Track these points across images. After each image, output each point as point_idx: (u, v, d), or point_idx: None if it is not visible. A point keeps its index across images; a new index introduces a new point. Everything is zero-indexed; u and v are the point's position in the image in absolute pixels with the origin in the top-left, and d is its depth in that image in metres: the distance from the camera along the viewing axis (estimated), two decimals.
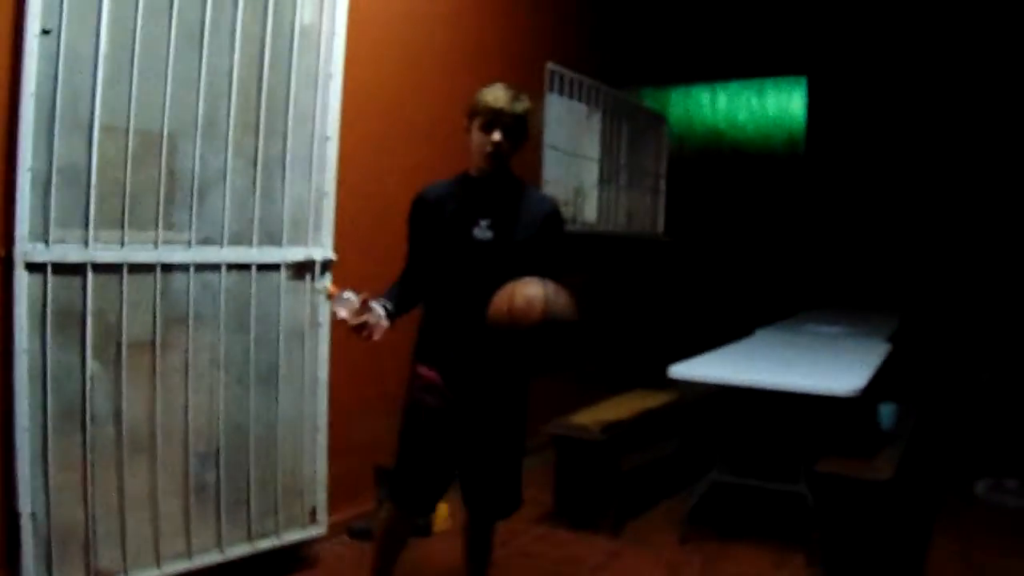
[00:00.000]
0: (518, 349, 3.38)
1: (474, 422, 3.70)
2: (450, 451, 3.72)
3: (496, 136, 3.55)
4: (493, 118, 3.56)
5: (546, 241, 3.70)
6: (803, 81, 10.84)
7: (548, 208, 3.77)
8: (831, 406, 5.17)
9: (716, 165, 10.83)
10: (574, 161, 7.86)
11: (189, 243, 4.16)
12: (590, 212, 8.25)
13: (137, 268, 3.95)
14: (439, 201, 3.69)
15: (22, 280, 3.56)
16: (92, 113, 3.73)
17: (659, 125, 9.52)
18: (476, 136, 3.61)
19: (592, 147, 8.23)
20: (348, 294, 3.43)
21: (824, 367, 5.52)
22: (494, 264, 3.53)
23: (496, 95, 3.57)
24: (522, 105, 3.61)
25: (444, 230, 3.60)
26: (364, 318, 3.43)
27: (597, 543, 5.39)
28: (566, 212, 7.59)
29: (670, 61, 9.77)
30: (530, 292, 3.26)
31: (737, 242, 10.73)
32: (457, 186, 3.71)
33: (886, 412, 5.74)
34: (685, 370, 5.24)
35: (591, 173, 8.23)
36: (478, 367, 3.66)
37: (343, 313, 3.42)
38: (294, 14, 4.50)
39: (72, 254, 3.72)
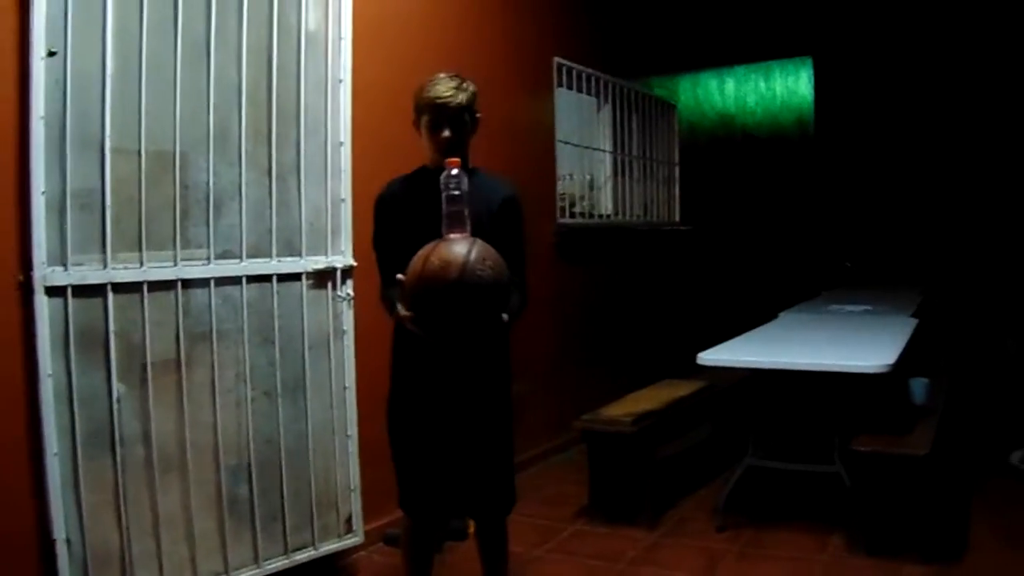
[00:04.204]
0: (431, 314, 3.11)
1: (455, 420, 3.60)
2: (439, 455, 3.63)
3: (445, 133, 3.47)
4: (438, 115, 3.47)
5: (505, 223, 3.56)
6: (809, 62, 10.82)
7: (506, 192, 3.63)
8: (862, 384, 5.14)
9: (728, 151, 10.81)
10: (587, 154, 7.84)
11: (208, 258, 4.13)
12: (606, 204, 8.23)
13: (157, 286, 3.93)
14: (399, 199, 3.61)
15: (43, 304, 3.53)
16: (103, 133, 3.71)
17: (669, 113, 9.47)
18: (426, 134, 3.53)
19: (604, 139, 8.21)
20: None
21: (853, 345, 5.48)
22: None
23: (438, 90, 3.47)
24: (465, 94, 3.51)
25: (408, 228, 3.41)
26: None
27: (635, 536, 5.35)
28: (582, 206, 7.60)
29: (677, 49, 9.73)
30: (447, 252, 3.05)
31: (754, 226, 10.70)
32: (416, 181, 3.59)
33: (917, 387, 5.68)
34: (714, 356, 5.20)
35: (604, 165, 8.20)
36: (452, 362, 3.55)
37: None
38: (299, 21, 4.47)
39: (91, 276, 3.69)
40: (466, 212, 3.17)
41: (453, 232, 3.14)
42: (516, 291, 3.44)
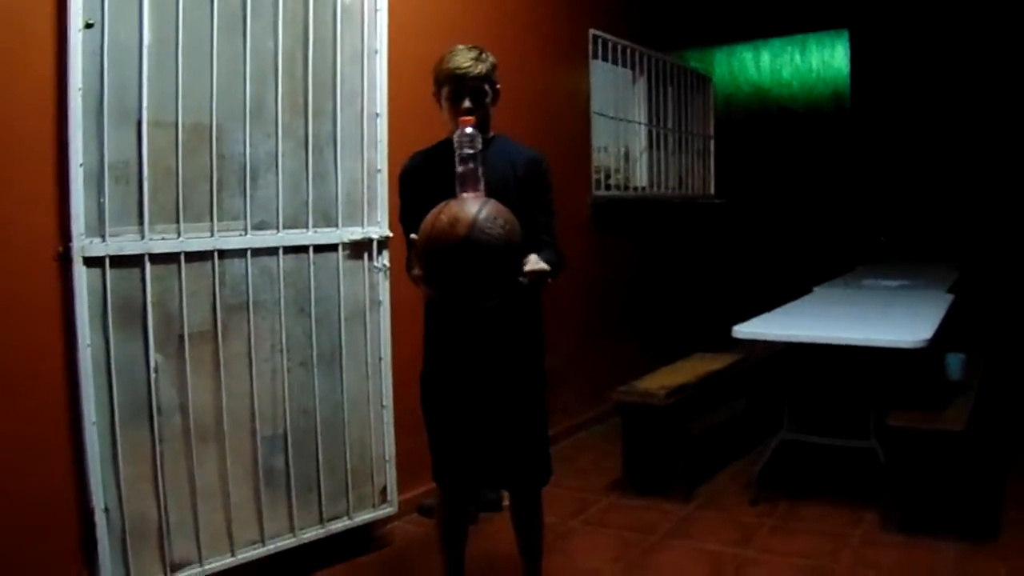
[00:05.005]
0: (440, 272, 3.06)
1: (487, 392, 3.60)
2: (471, 428, 3.64)
3: (466, 104, 3.44)
4: (458, 86, 3.45)
5: (531, 185, 3.55)
6: (844, 34, 10.73)
7: (530, 154, 3.61)
8: (899, 359, 5.11)
9: (764, 124, 10.74)
10: (622, 127, 7.79)
11: (245, 229, 4.14)
12: (641, 177, 8.20)
13: (194, 256, 3.95)
14: (422, 171, 3.58)
15: (81, 275, 3.56)
16: (140, 105, 3.72)
17: (705, 86, 9.40)
18: (446, 105, 3.50)
19: (639, 112, 8.17)
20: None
21: (889, 320, 5.46)
22: None
23: (457, 61, 3.44)
24: (485, 65, 3.49)
25: (431, 200, 3.18)
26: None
27: (668, 508, 5.35)
28: (616, 179, 7.56)
29: (712, 21, 9.66)
30: (457, 210, 3.01)
31: (789, 200, 10.64)
32: (438, 154, 3.51)
33: (953, 363, 5.65)
34: (749, 329, 5.19)
35: (639, 138, 8.16)
36: (483, 332, 3.55)
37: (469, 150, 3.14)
38: None
39: (129, 246, 3.71)
40: (479, 171, 3.13)
41: (466, 191, 3.11)
42: (550, 250, 3.44)
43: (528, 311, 3.63)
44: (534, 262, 3.23)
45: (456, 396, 3.63)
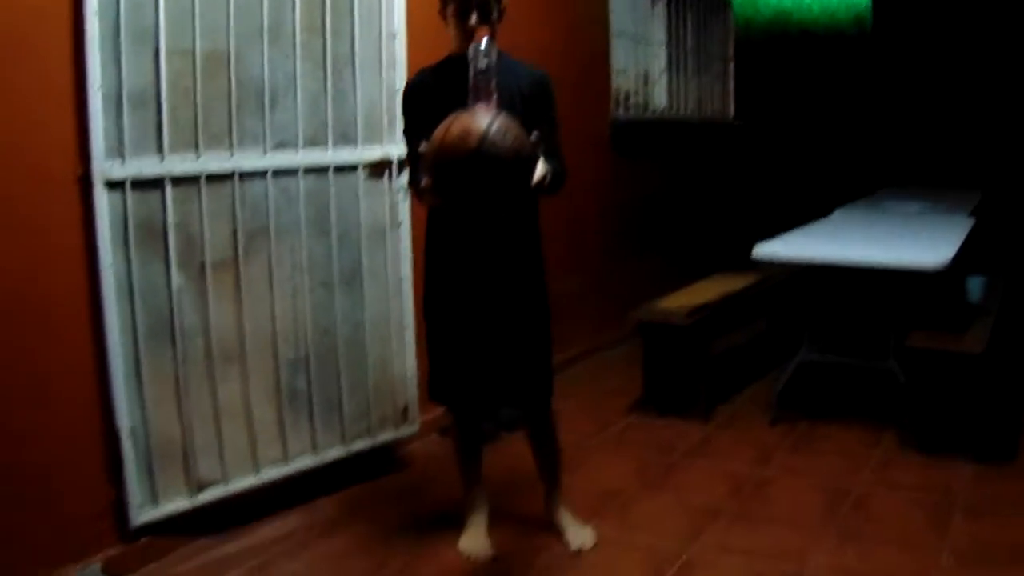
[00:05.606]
0: (449, 183, 3.08)
1: (490, 306, 3.64)
2: (472, 341, 3.68)
3: (473, 20, 3.43)
4: (465, 2, 3.44)
5: (537, 102, 3.59)
6: None
7: (535, 72, 3.66)
8: (919, 281, 5.09)
9: (784, 47, 10.63)
10: (641, 48, 7.73)
11: (264, 150, 4.14)
12: (660, 98, 8.14)
13: (214, 178, 3.94)
14: (428, 87, 3.59)
15: (102, 198, 3.56)
16: (157, 26, 3.69)
17: (724, 8, 9.31)
18: (452, 23, 3.50)
19: (659, 33, 8.10)
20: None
21: (910, 242, 5.43)
22: None
23: None
24: None
25: (436, 116, 3.17)
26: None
27: (688, 428, 5.38)
28: (636, 100, 7.51)
29: None
30: (468, 121, 3.01)
31: (810, 123, 10.56)
32: (444, 70, 3.56)
33: (974, 285, 5.64)
34: (770, 250, 5.17)
35: (659, 59, 8.10)
36: (485, 248, 3.60)
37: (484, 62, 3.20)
38: None
39: (148, 168, 3.71)
40: (493, 84, 3.16)
41: (479, 102, 3.14)
42: (555, 159, 3.49)
43: (528, 224, 3.67)
44: (538, 171, 3.26)
45: (458, 308, 3.68)
